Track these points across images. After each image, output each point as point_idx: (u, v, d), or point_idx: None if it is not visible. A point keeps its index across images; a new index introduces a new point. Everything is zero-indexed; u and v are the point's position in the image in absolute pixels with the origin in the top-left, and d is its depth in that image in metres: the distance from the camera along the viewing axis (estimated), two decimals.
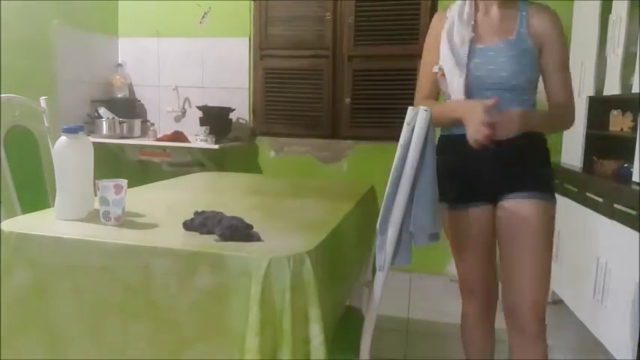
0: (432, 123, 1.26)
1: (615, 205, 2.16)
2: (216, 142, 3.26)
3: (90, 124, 3.42)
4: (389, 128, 3.28)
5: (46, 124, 2.17)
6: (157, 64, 3.75)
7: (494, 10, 1.59)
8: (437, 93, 1.70)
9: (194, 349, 1.16)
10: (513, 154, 1.55)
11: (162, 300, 1.17)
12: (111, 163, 3.53)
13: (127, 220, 1.36)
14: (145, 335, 1.19)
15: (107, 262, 1.20)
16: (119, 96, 3.65)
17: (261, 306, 1.09)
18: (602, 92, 2.54)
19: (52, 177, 2.13)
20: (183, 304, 1.16)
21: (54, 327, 1.24)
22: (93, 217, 1.39)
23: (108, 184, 1.33)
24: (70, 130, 1.38)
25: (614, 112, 2.53)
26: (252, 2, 3.53)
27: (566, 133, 2.99)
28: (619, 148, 2.53)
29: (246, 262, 1.12)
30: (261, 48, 3.56)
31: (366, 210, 1.92)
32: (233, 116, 3.52)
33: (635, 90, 2.19)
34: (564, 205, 2.76)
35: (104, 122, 3.36)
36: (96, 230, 1.30)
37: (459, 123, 1.52)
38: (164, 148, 3.35)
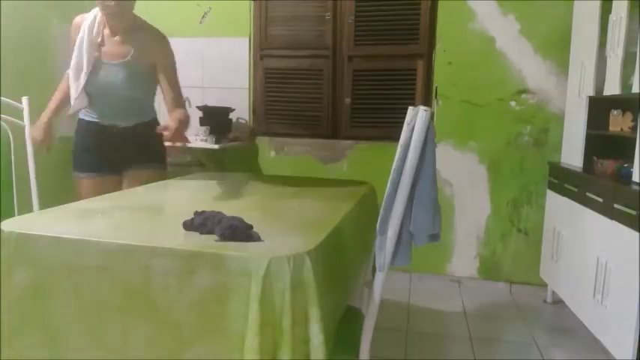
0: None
1: (615, 205, 2.16)
2: (216, 142, 3.25)
3: None
4: (389, 128, 3.28)
5: (25, 122, 2.20)
6: None
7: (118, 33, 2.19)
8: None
9: (194, 349, 1.16)
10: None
11: (162, 300, 1.17)
12: None
13: (127, 220, 1.36)
14: (144, 335, 1.19)
15: (107, 262, 1.20)
16: None
17: (261, 306, 1.09)
18: (602, 92, 2.54)
19: (23, 175, 2.13)
20: (183, 304, 1.16)
21: (54, 327, 1.24)
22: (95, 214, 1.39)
23: None
24: None
25: (614, 112, 2.53)
26: (252, 2, 3.52)
27: (566, 133, 2.99)
28: (619, 148, 2.53)
29: (246, 262, 1.12)
30: (261, 48, 3.56)
31: (366, 210, 1.92)
32: (233, 116, 3.51)
33: (635, 90, 2.19)
34: (564, 205, 2.76)
35: None
36: (96, 230, 1.30)
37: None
38: None
